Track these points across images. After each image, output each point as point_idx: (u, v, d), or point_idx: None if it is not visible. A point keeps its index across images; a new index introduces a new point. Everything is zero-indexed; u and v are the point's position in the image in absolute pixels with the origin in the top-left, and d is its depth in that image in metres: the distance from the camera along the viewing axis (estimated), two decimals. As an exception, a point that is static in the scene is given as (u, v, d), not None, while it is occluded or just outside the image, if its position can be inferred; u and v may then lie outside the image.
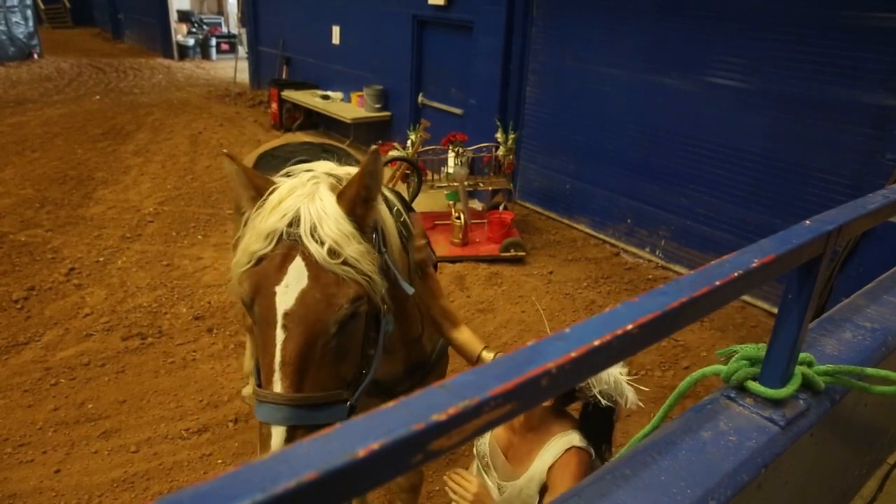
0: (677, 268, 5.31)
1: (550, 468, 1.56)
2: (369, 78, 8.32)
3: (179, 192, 6.61)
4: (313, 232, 1.31)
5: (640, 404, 1.56)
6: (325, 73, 9.39)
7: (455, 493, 1.60)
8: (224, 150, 1.50)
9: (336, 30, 8.91)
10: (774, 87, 4.41)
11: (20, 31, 14.21)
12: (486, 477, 1.76)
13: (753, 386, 1.05)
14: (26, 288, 4.53)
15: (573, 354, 0.57)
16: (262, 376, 1.32)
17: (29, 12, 14.48)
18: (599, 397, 1.52)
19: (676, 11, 4.94)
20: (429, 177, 5.54)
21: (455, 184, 5.50)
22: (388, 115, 8.19)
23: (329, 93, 8.95)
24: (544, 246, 5.77)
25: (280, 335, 1.28)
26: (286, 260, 1.31)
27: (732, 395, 1.07)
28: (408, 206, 2.03)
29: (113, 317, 4.26)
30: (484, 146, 5.72)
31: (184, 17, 16.48)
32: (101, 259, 5.06)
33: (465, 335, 1.72)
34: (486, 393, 0.50)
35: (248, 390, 3.54)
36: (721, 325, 4.50)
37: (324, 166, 1.54)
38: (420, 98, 7.63)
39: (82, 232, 5.53)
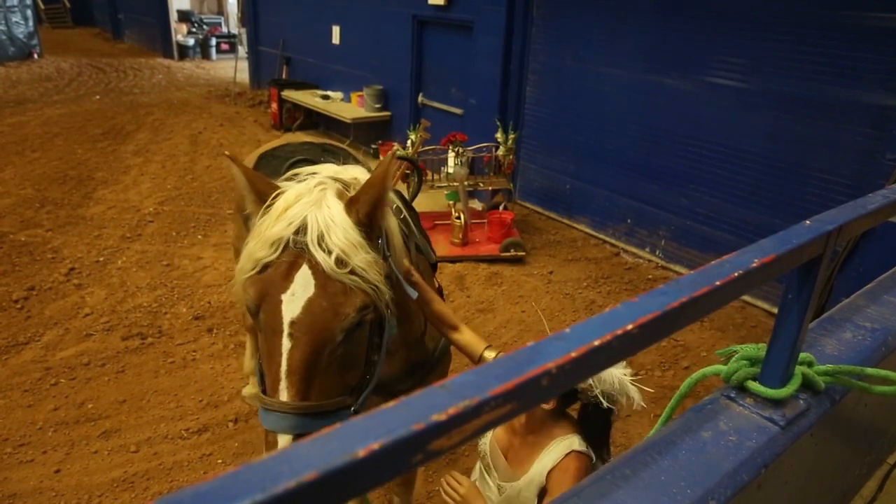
0: (677, 268, 5.31)
1: (550, 472, 1.56)
2: (369, 78, 8.32)
3: (179, 192, 6.61)
4: (320, 241, 1.29)
5: (644, 404, 1.55)
6: (325, 73, 9.39)
7: (446, 493, 1.65)
8: (225, 152, 1.49)
9: (336, 30, 8.91)
10: (774, 87, 4.41)
11: (20, 31, 14.21)
12: (486, 477, 1.76)
13: (753, 386, 1.05)
14: (26, 288, 4.53)
15: (573, 354, 0.57)
16: (267, 384, 1.30)
17: (29, 12, 14.48)
18: (602, 398, 1.51)
19: (676, 11, 4.94)
20: (429, 177, 5.54)
21: (455, 184, 5.50)
22: (388, 115, 8.19)
23: (329, 93, 8.95)
24: (544, 246, 5.77)
25: (286, 344, 1.27)
26: (292, 268, 1.30)
27: (732, 395, 1.07)
28: (408, 205, 2.03)
29: (113, 317, 4.27)
30: (484, 146, 5.72)
31: (184, 16, 16.48)
32: (101, 259, 5.06)
33: (465, 336, 1.71)
34: (486, 393, 0.50)
35: (248, 390, 3.54)
36: (721, 325, 4.50)
37: (328, 170, 1.53)
38: (420, 98, 7.63)
39: (82, 232, 5.53)
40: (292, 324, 1.27)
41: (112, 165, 7.32)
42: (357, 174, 1.57)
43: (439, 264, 2.57)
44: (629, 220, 5.66)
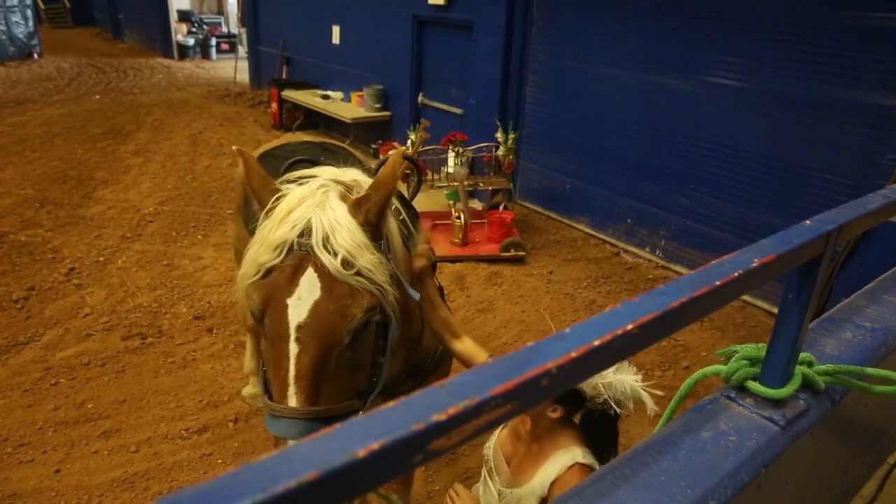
0: (677, 268, 5.31)
1: (553, 483, 1.53)
2: (369, 78, 8.32)
3: (179, 192, 6.61)
4: (326, 242, 1.28)
5: (656, 408, 1.50)
6: (325, 73, 9.39)
7: None
8: (234, 146, 1.48)
9: (336, 30, 8.91)
10: (774, 87, 4.41)
11: (20, 31, 14.21)
12: (489, 481, 1.75)
13: (753, 386, 1.05)
14: (26, 288, 4.53)
15: (573, 354, 0.57)
16: (274, 390, 1.28)
17: (29, 12, 14.48)
18: (613, 404, 1.47)
19: (676, 11, 4.94)
20: (429, 177, 5.54)
21: (455, 184, 5.50)
22: (388, 115, 8.19)
23: (329, 93, 8.95)
24: (544, 246, 5.77)
25: (294, 348, 1.25)
26: (297, 271, 1.28)
27: (732, 395, 1.07)
28: (408, 205, 2.02)
29: (113, 317, 4.27)
30: (484, 146, 5.72)
31: (184, 16, 16.48)
32: (101, 259, 5.06)
33: (467, 346, 1.68)
34: (486, 393, 0.50)
35: (248, 390, 3.53)
36: (721, 325, 4.50)
37: (327, 173, 1.52)
38: (420, 98, 7.63)
39: (82, 232, 5.53)
40: (299, 328, 1.25)
41: (112, 165, 7.32)
42: (356, 176, 1.56)
43: (439, 264, 2.57)
44: (629, 220, 5.66)
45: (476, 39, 6.47)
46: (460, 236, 5.43)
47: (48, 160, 7.32)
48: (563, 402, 1.52)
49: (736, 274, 0.78)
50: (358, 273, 1.29)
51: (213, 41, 16.47)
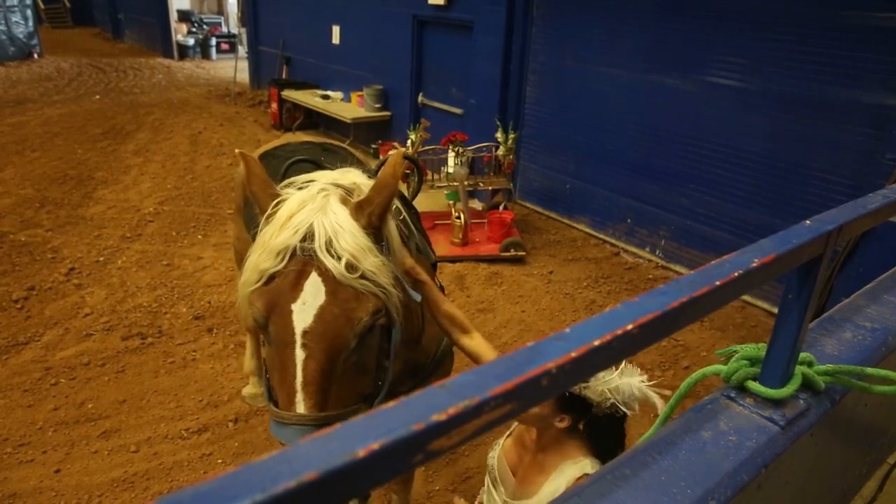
0: (677, 268, 5.31)
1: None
2: (369, 78, 8.32)
3: (179, 192, 6.61)
4: (329, 247, 1.27)
5: (663, 397, 1.46)
6: (325, 73, 9.39)
7: None
8: (236, 150, 1.48)
9: (336, 30, 8.91)
10: (774, 87, 4.41)
11: (20, 31, 14.21)
12: (493, 491, 1.73)
13: (753, 386, 1.05)
14: (26, 288, 4.53)
15: (573, 354, 0.57)
16: (280, 397, 1.28)
17: (29, 12, 14.48)
18: (621, 407, 1.44)
19: (676, 11, 4.94)
20: (429, 176, 5.54)
21: (455, 184, 5.50)
22: (388, 115, 8.19)
23: (329, 92, 8.95)
24: (544, 246, 5.77)
25: (300, 354, 1.24)
26: (301, 276, 1.27)
27: (732, 395, 1.07)
28: (409, 205, 2.02)
29: (113, 317, 4.27)
30: (484, 146, 5.72)
31: (184, 16, 16.48)
32: (101, 259, 5.06)
33: (476, 342, 1.64)
34: (486, 393, 0.50)
35: (248, 390, 3.54)
36: (721, 325, 4.50)
37: (327, 176, 1.51)
38: (420, 98, 7.63)
39: (82, 232, 5.53)
40: (305, 333, 1.25)
41: (112, 165, 7.32)
42: (355, 179, 1.55)
43: (439, 264, 2.57)
44: (629, 220, 5.66)
45: (476, 39, 6.47)
46: (460, 236, 5.43)
47: (48, 160, 7.32)
48: (569, 410, 1.49)
49: (736, 274, 0.78)
50: (362, 276, 1.29)
51: (213, 41, 16.48)
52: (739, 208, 4.78)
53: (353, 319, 1.27)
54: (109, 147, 8.00)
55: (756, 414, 1.02)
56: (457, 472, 3.11)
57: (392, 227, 1.51)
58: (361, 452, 0.42)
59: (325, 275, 1.27)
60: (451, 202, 5.60)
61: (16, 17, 14.09)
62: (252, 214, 2.22)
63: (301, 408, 1.23)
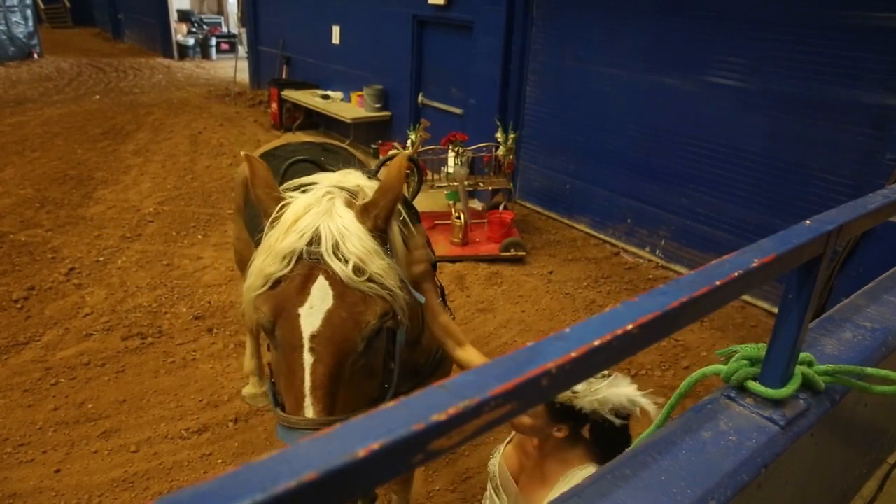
0: (677, 268, 5.31)
1: None
2: (369, 78, 8.32)
3: (179, 192, 6.61)
4: (336, 250, 1.27)
5: (656, 404, 1.44)
6: (325, 73, 9.39)
7: None
8: (242, 152, 1.48)
9: (336, 29, 8.91)
10: (774, 87, 4.41)
11: (20, 31, 14.21)
12: (496, 498, 1.72)
13: (753, 386, 1.05)
14: (26, 288, 4.53)
15: (573, 354, 0.57)
16: (288, 401, 1.27)
17: (29, 12, 14.48)
18: (612, 417, 1.43)
19: (676, 11, 4.94)
20: (429, 176, 5.54)
21: (455, 183, 5.50)
22: (388, 115, 8.19)
23: (329, 92, 8.95)
24: (544, 246, 5.77)
25: (308, 359, 1.24)
26: (308, 280, 1.27)
27: (732, 395, 1.07)
28: (409, 206, 2.02)
29: (113, 317, 4.27)
30: (484, 146, 5.72)
31: (184, 16, 16.48)
32: (101, 259, 5.06)
33: (470, 354, 1.64)
34: (486, 393, 0.50)
35: (248, 390, 3.54)
36: (721, 325, 4.50)
37: (329, 179, 1.50)
38: (420, 98, 7.63)
39: (82, 232, 5.53)
40: (313, 337, 1.24)
41: (112, 165, 7.32)
42: (358, 181, 1.55)
43: (439, 264, 2.57)
44: (629, 220, 5.66)
45: (476, 39, 6.47)
46: (460, 236, 5.43)
47: (48, 160, 7.32)
48: (564, 420, 1.47)
49: (736, 274, 0.78)
50: (369, 279, 1.28)
51: (213, 41, 16.48)
52: (739, 208, 4.78)
53: (361, 323, 1.27)
54: (109, 147, 8.00)
55: (756, 414, 1.02)
56: (457, 472, 3.11)
57: (395, 228, 1.50)
58: (361, 452, 0.42)
59: (333, 278, 1.27)
60: (451, 202, 5.60)
61: (16, 17, 14.09)
62: (252, 214, 2.22)
63: (310, 412, 1.22)
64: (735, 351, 1.11)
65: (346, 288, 1.27)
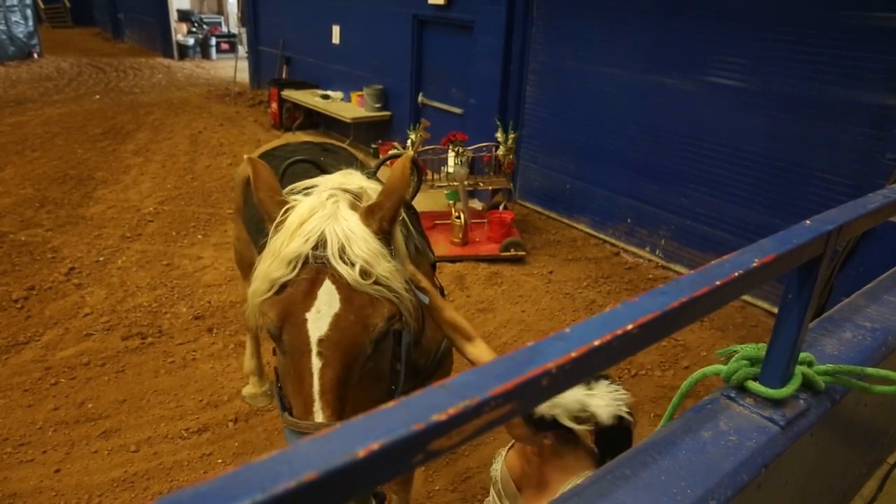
0: (677, 267, 5.31)
1: None
2: (369, 77, 8.32)
3: (179, 192, 6.61)
4: (342, 254, 1.26)
5: (625, 412, 1.41)
6: (325, 73, 9.39)
7: None
8: (246, 155, 1.47)
9: (336, 29, 8.91)
10: (774, 87, 4.41)
11: (20, 31, 14.21)
12: (499, 503, 1.72)
13: (753, 386, 1.05)
14: (26, 288, 4.53)
15: (573, 354, 0.57)
16: (296, 406, 1.27)
17: (29, 12, 14.47)
18: (573, 423, 1.38)
19: (676, 11, 4.94)
20: (429, 176, 5.54)
21: (455, 183, 5.50)
22: (388, 115, 8.19)
23: (329, 92, 8.95)
24: (544, 245, 5.77)
25: (316, 363, 1.23)
26: (314, 284, 1.26)
27: (732, 395, 1.07)
28: (408, 206, 2.02)
29: (113, 316, 4.27)
30: (484, 146, 5.71)
31: (184, 16, 16.47)
32: (101, 259, 5.06)
33: (480, 349, 1.61)
34: (486, 393, 0.50)
35: (248, 390, 3.54)
36: (721, 325, 4.50)
37: (332, 180, 1.50)
38: (420, 98, 7.63)
39: (82, 231, 5.53)
40: (321, 342, 1.24)
41: (112, 165, 7.32)
42: (361, 182, 1.55)
43: (439, 264, 2.56)
44: (629, 220, 5.65)
45: (476, 39, 6.46)
46: (460, 236, 5.43)
47: (48, 160, 7.32)
48: (543, 428, 1.44)
49: (736, 274, 0.78)
50: (376, 282, 1.28)
51: (213, 41, 16.47)
52: (739, 208, 4.78)
53: (369, 326, 1.27)
54: (109, 147, 8.00)
55: (756, 414, 1.02)
56: (457, 472, 3.11)
57: (398, 230, 1.51)
58: (361, 452, 0.42)
59: (339, 282, 1.26)
60: (451, 202, 5.60)
61: (16, 17, 14.09)
62: (252, 214, 2.22)
63: (319, 416, 1.22)
64: (735, 351, 1.11)
65: (353, 291, 1.27)
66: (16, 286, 4.55)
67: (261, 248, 1.40)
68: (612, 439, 1.48)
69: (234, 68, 11.86)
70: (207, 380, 3.70)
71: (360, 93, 8.32)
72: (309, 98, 8.88)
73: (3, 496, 2.82)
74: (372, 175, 1.83)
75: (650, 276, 5.27)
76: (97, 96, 10.90)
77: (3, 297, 4.41)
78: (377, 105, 8.12)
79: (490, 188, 5.97)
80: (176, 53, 15.90)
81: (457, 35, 6.85)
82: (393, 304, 1.31)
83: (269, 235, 1.34)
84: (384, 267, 1.29)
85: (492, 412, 0.51)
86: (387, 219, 1.35)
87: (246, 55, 11.92)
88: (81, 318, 4.24)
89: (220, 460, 3.14)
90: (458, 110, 7.06)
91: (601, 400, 1.40)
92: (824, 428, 1.11)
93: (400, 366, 1.45)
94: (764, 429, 0.99)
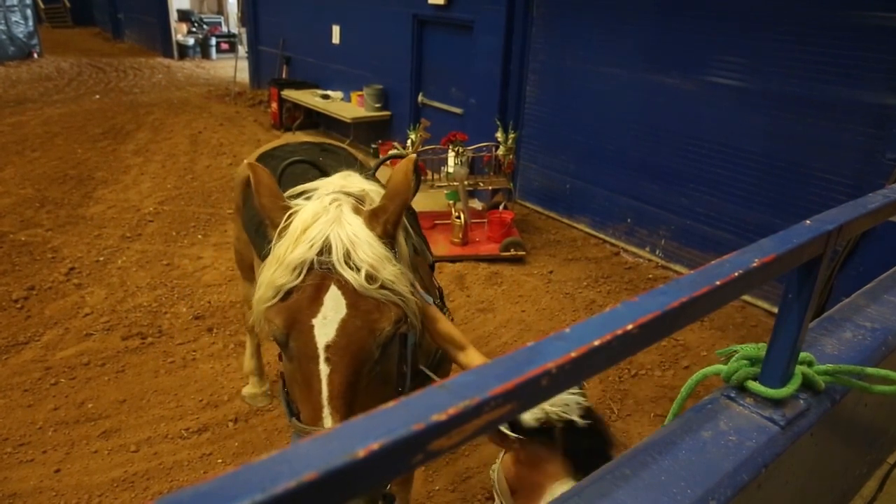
0: (677, 267, 5.31)
1: None
2: (369, 77, 8.32)
3: (179, 192, 6.61)
4: (347, 259, 1.26)
5: (574, 418, 1.38)
6: (325, 73, 9.39)
7: None
8: (245, 160, 1.47)
9: (336, 29, 8.91)
10: (775, 87, 4.41)
11: (20, 31, 14.21)
12: None
13: (753, 386, 1.05)
14: (26, 288, 4.53)
15: (573, 354, 0.57)
16: (305, 412, 1.27)
17: (29, 12, 14.48)
18: (534, 424, 1.36)
19: (676, 11, 4.94)
20: (429, 176, 5.54)
21: (455, 183, 5.50)
22: (388, 115, 8.19)
23: (329, 92, 8.95)
24: (544, 245, 5.77)
25: (324, 369, 1.23)
26: (320, 290, 1.26)
27: (732, 394, 1.07)
28: (407, 208, 2.02)
29: (113, 316, 4.27)
30: (484, 146, 5.71)
31: (184, 16, 16.48)
32: (101, 259, 5.06)
33: (471, 357, 1.62)
34: (486, 393, 0.50)
35: (248, 390, 3.54)
36: (721, 325, 4.50)
37: (333, 183, 1.49)
38: (420, 97, 7.63)
39: (82, 231, 5.53)
40: (328, 348, 1.23)
41: (112, 165, 7.32)
42: (362, 185, 1.54)
43: (439, 264, 2.56)
44: (629, 220, 5.66)
45: (476, 39, 6.47)
46: (460, 236, 5.43)
47: (48, 160, 7.32)
48: (514, 431, 1.42)
49: (736, 274, 0.78)
50: (382, 286, 1.28)
51: (213, 41, 16.48)
52: (739, 208, 4.78)
53: (375, 330, 1.27)
54: (109, 147, 8.00)
55: (756, 414, 1.02)
56: (457, 472, 3.11)
57: (401, 233, 1.51)
58: (361, 452, 0.42)
59: (345, 287, 1.26)
60: (451, 202, 5.60)
61: (16, 17, 14.08)
62: (250, 215, 2.21)
63: (328, 422, 1.22)
64: (735, 351, 1.11)
65: (359, 296, 1.26)
66: (16, 286, 4.55)
67: (260, 251, 1.39)
68: (582, 445, 1.44)
69: (234, 68, 11.87)
70: (207, 380, 3.70)
71: (360, 93, 8.32)
72: (309, 98, 8.88)
73: (3, 496, 2.82)
74: (371, 176, 1.83)
75: (650, 275, 5.27)
76: (97, 96, 10.90)
77: (3, 297, 4.41)
78: (377, 105, 8.12)
79: (490, 188, 5.97)
80: (176, 53, 15.90)
81: (457, 35, 6.85)
82: (399, 307, 1.31)
83: (273, 241, 1.34)
84: (389, 271, 1.29)
85: (492, 412, 0.51)
86: (391, 222, 1.34)
87: (246, 55, 11.92)
88: (81, 318, 4.24)
89: (220, 460, 3.14)
90: (458, 110, 7.06)
91: (556, 403, 1.38)
92: (824, 428, 1.11)
93: (406, 368, 1.44)
94: (764, 429, 0.99)
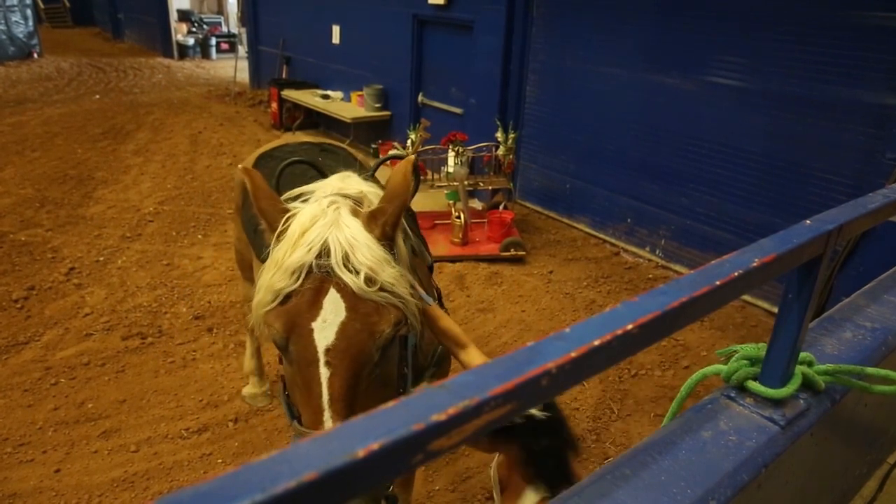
0: (677, 267, 5.31)
1: None
2: (369, 77, 8.32)
3: (179, 192, 6.61)
4: (346, 262, 1.26)
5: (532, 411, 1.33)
6: (325, 73, 9.39)
7: None
8: (239, 166, 1.46)
9: (336, 29, 8.91)
10: (775, 87, 4.41)
11: (20, 31, 14.21)
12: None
13: (753, 386, 1.05)
14: (26, 288, 4.53)
15: (573, 354, 0.57)
16: (306, 415, 1.27)
17: (29, 12, 14.47)
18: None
19: (676, 11, 4.94)
20: (429, 176, 5.54)
21: (455, 183, 5.50)
22: (388, 115, 8.19)
23: (329, 92, 8.95)
24: (544, 245, 5.77)
25: (324, 372, 1.23)
26: (319, 294, 1.26)
27: (732, 394, 1.07)
28: (406, 209, 2.02)
29: (113, 316, 4.27)
30: (484, 146, 5.72)
31: (184, 16, 16.48)
32: (101, 259, 5.06)
33: (472, 355, 1.60)
34: (486, 393, 0.50)
35: (248, 390, 3.54)
36: (721, 325, 4.50)
37: (331, 185, 1.49)
38: (420, 97, 7.63)
39: (82, 231, 5.53)
40: (328, 351, 1.23)
41: (112, 165, 7.32)
42: (360, 186, 1.54)
43: (439, 264, 2.56)
44: (629, 220, 5.65)
45: (476, 39, 6.46)
46: (460, 236, 5.43)
47: (48, 160, 7.32)
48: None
49: (736, 274, 0.78)
50: (381, 288, 1.28)
51: (213, 41, 16.48)
52: (739, 208, 4.78)
53: (375, 333, 1.26)
54: (109, 147, 8.00)
55: (756, 414, 1.02)
56: (457, 472, 3.11)
57: (399, 235, 1.51)
58: (361, 452, 0.42)
59: (344, 290, 1.26)
60: (451, 202, 5.60)
61: (16, 17, 14.08)
62: (249, 216, 2.21)
63: (329, 425, 1.22)
64: (735, 351, 1.11)
65: (359, 299, 1.26)
66: (16, 286, 4.55)
67: (259, 253, 1.39)
68: (537, 439, 1.38)
69: (234, 68, 11.86)
70: (207, 380, 3.70)
71: (360, 93, 8.32)
72: (309, 98, 8.88)
73: (3, 496, 2.82)
74: (370, 176, 1.83)
75: (650, 275, 5.27)
76: (97, 96, 10.90)
77: (3, 297, 4.41)
78: (377, 105, 8.12)
79: (490, 188, 5.97)
80: (176, 53, 15.90)
81: (457, 35, 6.85)
82: (399, 309, 1.30)
83: (271, 245, 1.33)
84: (389, 273, 1.29)
85: (492, 412, 0.51)
86: (389, 224, 1.34)
87: (246, 55, 11.92)
88: (81, 318, 4.24)
89: (220, 460, 3.14)
90: (458, 110, 7.06)
91: None
92: (824, 428, 1.11)
93: (407, 369, 1.44)
94: (764, 429, 0.99)
